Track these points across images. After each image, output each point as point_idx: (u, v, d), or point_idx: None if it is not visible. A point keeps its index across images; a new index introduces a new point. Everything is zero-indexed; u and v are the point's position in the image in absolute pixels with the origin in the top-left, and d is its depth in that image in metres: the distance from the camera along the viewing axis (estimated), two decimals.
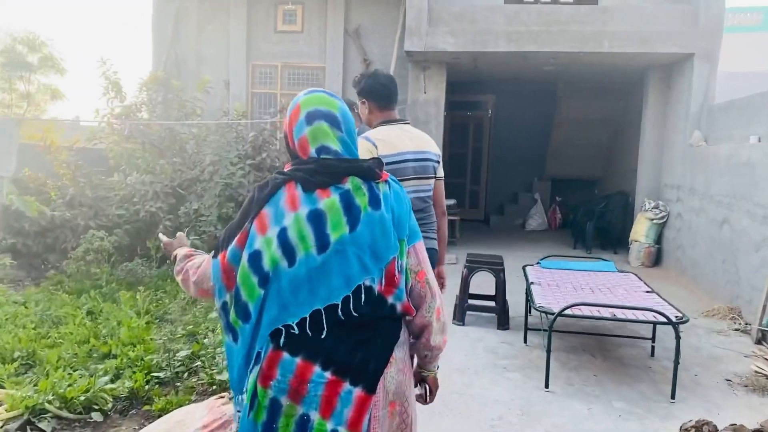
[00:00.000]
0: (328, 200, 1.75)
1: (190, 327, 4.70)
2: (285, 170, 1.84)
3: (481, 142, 13.27)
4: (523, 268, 5.95)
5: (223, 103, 10.56)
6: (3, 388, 3.77)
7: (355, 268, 1.73)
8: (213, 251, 1.88)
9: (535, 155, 13.50)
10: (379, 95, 3.07)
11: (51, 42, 18.37)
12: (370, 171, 1.82)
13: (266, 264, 1.72)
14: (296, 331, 1.71)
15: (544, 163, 13.48)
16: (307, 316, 1.71)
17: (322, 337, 1.71)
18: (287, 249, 1.72)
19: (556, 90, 12.38)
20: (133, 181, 7.12)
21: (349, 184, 1.78)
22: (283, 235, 1.72)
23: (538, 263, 6.13)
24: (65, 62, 20.40)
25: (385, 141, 2.99)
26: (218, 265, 1.81)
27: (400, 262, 1.82)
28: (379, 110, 3.09)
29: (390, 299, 1.79)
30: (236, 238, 1.79)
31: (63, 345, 4.51)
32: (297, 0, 10.97)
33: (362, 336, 1.76)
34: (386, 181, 1.87)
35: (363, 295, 1.74)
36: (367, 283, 1.75)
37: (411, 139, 3.10)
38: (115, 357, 4.32)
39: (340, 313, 1.72)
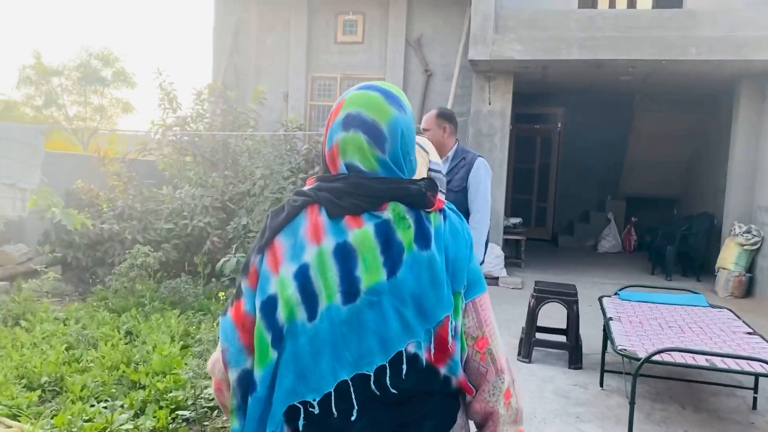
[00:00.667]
0: (360, 232, 1.27)
1: None
2: (308, 188, 1.36)
3: (549, 156, 12.52)
4: (600, 299, 5.27)
5: (281, 115, 10.34)
6: (19, 419, 3.46)
7: (394, 328, 1.24)
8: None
9: (608, 172, 12.64)
10: None
11: (124, 57, 18.99)
12: (420, 196, 1.32)
13: (281, 315, 1.24)
14: (317, 411, 1.23)
15: (618, 181, 12.59)
16: (332, 390, 1.23)
17: (352, 419, 1.24)
18: (307, 294, 1.24)
19: (633, 102, 11.53)
20: (182, 194, 6.87)
21: (389, 212, 1.29)
22: (302, 276, 1.25)
23: (616, 294, 5.44)
24: (136, 77, 20.94)
25: (430, 145, 2.71)
26: (229, 321, 1.33)
27: (454, 323, 1.30)
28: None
29: (443, 370, 1.28)
30: (247, 278, 1.32)
31: (92, 370, 4.20)
32: (358, 10, 10.66)
33: (405, 417, 1.27)
34: (440, 211, 1.36)
35: (405, 365, 1.24)
36: (411, 349, 1.25)
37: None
38: (143, 387, 3.97)
39: (373, 386, 1.24)
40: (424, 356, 1.26)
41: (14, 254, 6.70)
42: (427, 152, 2.73)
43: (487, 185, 3.80)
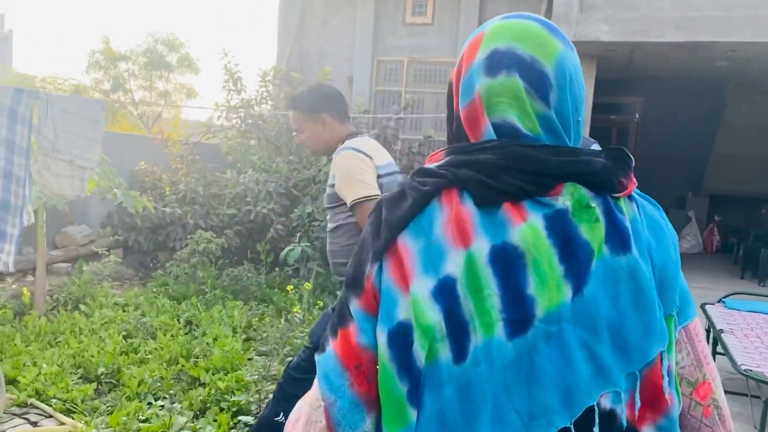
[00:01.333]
0: (527, 228, 0.84)
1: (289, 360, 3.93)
2: (437, 164, 0.92)
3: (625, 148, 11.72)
4: (703, 307, 4.67)
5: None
6: (73, 413, 3.21)
7: (582, 371, 0.82)
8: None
9: (690, 167, 11.75)
10: (341, 104, 2.60)
11: (188, 42, 19.08)
12: (607, 174, 0.88)
13: (419, 353, 0.83)
14: None
15: (702, 177, 11.69)
16: None
17: None
18: (454, 323, 0.83)
19: (725, 90, 10.62)
20: (246, 179, 6.59)
21: (566, 197, 0.86)
22: (445, 294, 0.83)
23: (721, 302, 4.83)
24: (200, 62, 21.07)
25: (375, 150, 2.48)
26: (333, 360, 0.90)
27: (668, 362, 0.87)
28: (341, 123, 2.58)
29: None
30: (358, 297, 0.89)
31: (150, 362, 3.94)
32: None
33: None
34: (632, 198, 0.93)
35: (597, 427, 0.82)
36: (606, 402, 0.83)
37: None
38: (203, 385, 3.67)
39: None
40: (624, 413, 0.84)
41: (77, 236, 6.59)
42: (371, 157, 2.40)
43: None
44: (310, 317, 4.90)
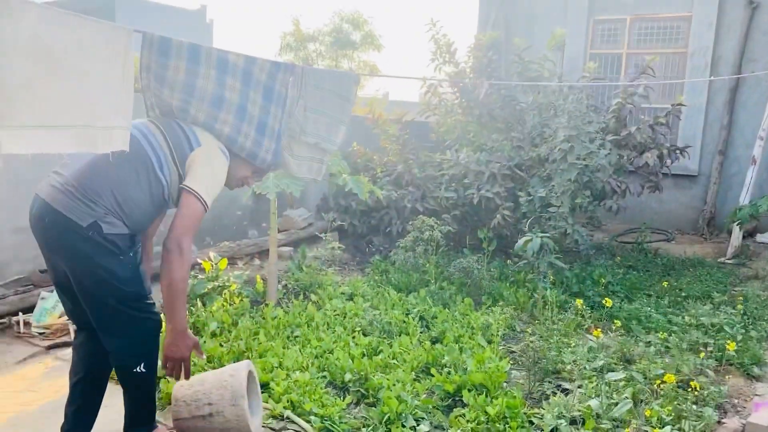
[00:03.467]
0: None
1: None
2: None
3: None
4: None
5: (556, 66, 8.98)
6: None
7: None
8: None
9: None
10: None
11: (372, 19, 19.08)
12: None
13: None
14: None
15: None
16: None
17: None
18: None
19: None
20: (466, 160, 6.01)
21: None
22: None
23: None
24: (382, 38, 21.02)
25: None
26: None
27: None
28: None
29: None
30: None
31: (396, 369, 3.52)
32: None
33: None
34: None
35: None
36: None
37: None
38: (464, 405, 3.16)
39: None
40: None
41: (297, 219, 6.52)
42: None
43: None
44: (558, 323, 4.21)
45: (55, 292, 4.31)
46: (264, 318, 4.30)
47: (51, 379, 3.42)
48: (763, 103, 7.70)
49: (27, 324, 4.12)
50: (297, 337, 4.07)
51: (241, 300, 4.58)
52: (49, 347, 3.85)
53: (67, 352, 3.77)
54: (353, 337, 4.01)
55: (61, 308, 4.25)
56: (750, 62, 8.23)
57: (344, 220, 6.71)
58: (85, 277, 2.25)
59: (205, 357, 2.58)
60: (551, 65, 6.56)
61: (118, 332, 2.34)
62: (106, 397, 2.63)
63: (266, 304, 4.57)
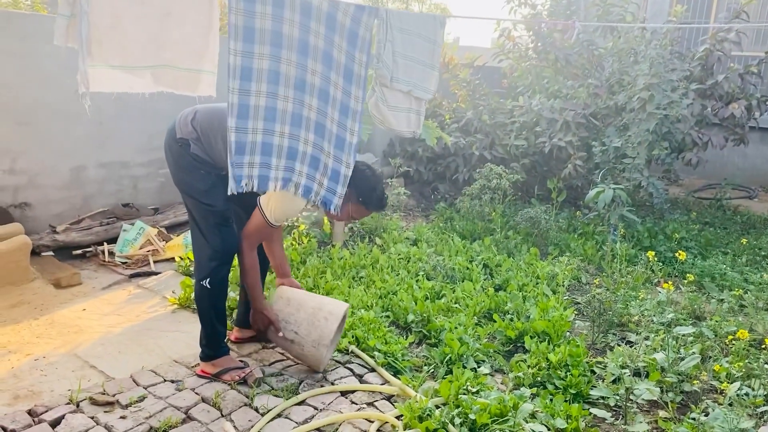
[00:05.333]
0: None
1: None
2: None
3: None
4: None
5: (639, 10, 8.47)
6: (395, 371, 2.94)
7: None
8: None
9: None
10: None
11: None
12: None
13: None
14: None
15: None
16: None
17: None
18: None
19: None
20: (538, 106, 5.83)
21: None
22: None
23: None
24: None
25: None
26: None
27: None
28: None
29: None
30: None
31: (458, 313, 3.57)
32: None
33: None
34: None
35: None
36: None
37: None
38: (525, 351, 3.18)
39: None
40: None
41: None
42: None
43: None
44: (627, 276, 4.12)
45: (136, 224, 4.57)
46: (331, 258, 4.42)
47: (133, 304, 3.66)
48: None
49: (111, 254, 4.40)
50: (362, 277, 4.17)
51: (309, 240, 4.70)
52: (131, 276, 4.10)
53: (148, 281, 4.03)
54: (417, 281, 4.07)
55: (141, 240, 4.51)
56: None
57: (410, 166, 6.70)
58: (175, 181, 2.74)
59: (282, 334, 2.80)
60: (634, 8, 6.19)
61: (193, 241, 2.80)
62: (183, 323, 2.81)
63: (333, 245, 4.68)
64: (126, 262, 4.32)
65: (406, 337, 3.35)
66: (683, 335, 3.10)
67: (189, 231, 3.47)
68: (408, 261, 4.52)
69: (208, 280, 2.70)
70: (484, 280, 4.23)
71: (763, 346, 2.95)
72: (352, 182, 2.68)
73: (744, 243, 5.15)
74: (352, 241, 5.00)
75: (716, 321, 3.39)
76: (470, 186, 5.62)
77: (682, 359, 2.88)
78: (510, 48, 6.69)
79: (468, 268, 4.36)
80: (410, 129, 2.92)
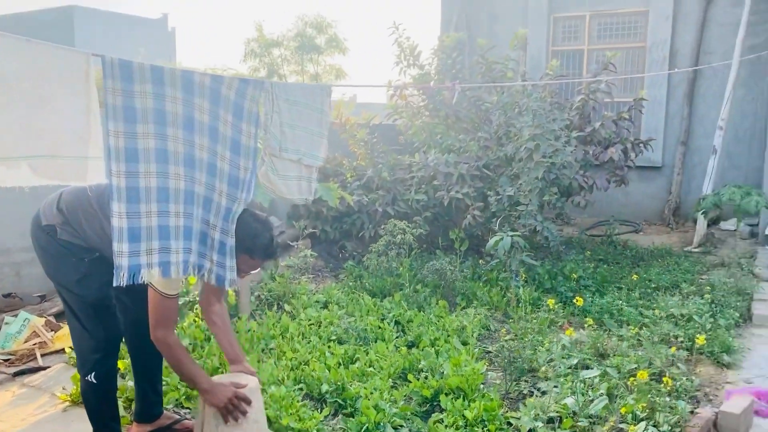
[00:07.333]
0: None
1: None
2: None
3: None
4: None
5: (519, 65, 9.07)
6: None
7: None
8: None
9: None
10: None
11: (336, 23, 18.98)
12: None
13: None
14: None
15: None
16: None
17: None
18: None
19: None
20: (434, 161, 6.02)
21: None
22: None
23: None
24: (347, 42, 20.98)
25: None
26: None
27: None
28: None
29: None
30: None
31: (373, 377, 3.51)
32: None
33: None
34: None
35: None
36: None
37: None
38: (442, 410, 3.16)
39: None
40: None
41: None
42: None
43: None
44: (532, 321, 4.24)
45: (19, 315, 4.20)
46: (237, 332, 4.24)
47: (17, 407, 3.31)
48: (720, 94, 7.88)
49: None
50: (272, 349, 4.02)
51: None
52: (15, 374, 3.73)
53: (35, 378, 3.68)
54: (329, 347, 3.98)
55: (25, 332, 4.14)
56: (707, 54, 8.42)
57: (316, 226, 6.66)
58: (46, 272, 2.61)
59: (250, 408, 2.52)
60: (514, 64, 6.62)
61: (72, 335, 2.62)
62: (76, 422, 2.58)
63: (239, 317, 4.51)
64: (9, 359, 3.94)
65: (321, 409, 3.24)
66: (590, 377, 3.20)
67: None
68: (319, 326, 4.43)
69: (93, 374, 2.53)
70: (397, 338, 4.21)
71: (662, 381, 3.09)
72: (234, 233, 2.52)
73: (635, 278, 5.47)
74: (259, 310, 4.85)
75: (619, 359, 3.54)
76: (376, 242, 5.65)
77: (592, 401, 2.97)
78: (403, 106, 6.92)
79: (380, 327, 4.33)
80: (302, 196, 2.92)
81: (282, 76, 19.26)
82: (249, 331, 4.23)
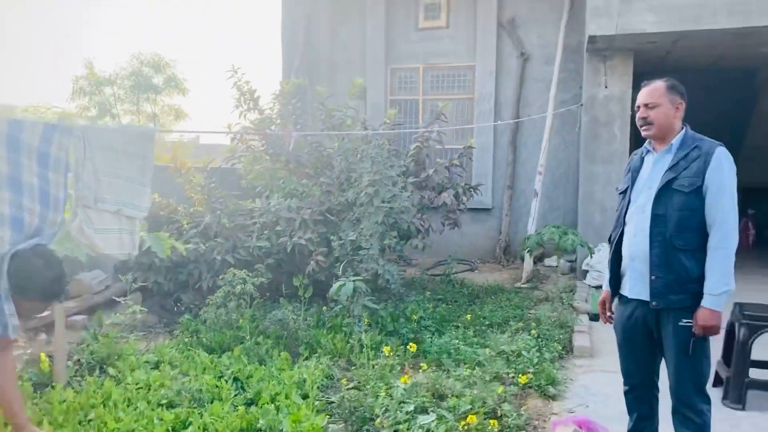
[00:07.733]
0: None
1: None
2: None
3: None
4: None
5: (359, 113, 9.34)
6: None
7: None
8: None
9: None
10: None
11: (174, 63, 18.32)
12: None
13: None
14: None
15: None
16: None
17: None
18: None
19: (754, 81, 10.11)
20: (276, 206, 5.91)
21: None
22: None
23: None
24: (187, 82, 20.38)
25: None
26: None
27: None
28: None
29: None
30: None
31: None
32: None
33: None
34: None
35: None
36: None
37: None
38: None
39: None
40: None
41: (90, 283, 5.88)
42: None
43: (734, 186, 2.80)
44: (374, 367, 4.24)
45: None
46: (50, 403, 3.75)
47: None
48: (539, 142, 8.70)
49: None
50: (91, 420, 3.59)
51: (21, 385, 3.94)
52: None
53: None
54: (158, 413, 3.64)
55: None
56: (526, 106, 9.29)
57: (147, 278, 6.18)
58: None
59: None
60: (353, 112, 6.78)
61: None
62: None
63: (53, 386, 3.99)
64: None
65: None
66: (426, 423, 3.23)
67: None
68: (148, 389, 4.05)
69: None
70: (235, 396, 3.97)
71: (496, 418, 3.20)
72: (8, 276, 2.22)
73: (469, 317, 5.72)
74: (78, 377, 4.34)
75: (454, 400, 3.62)
76: (215, 294, 5.37)
77: None
78: (243, 150, 6.76)
79: (217, 386, 4.06)
80: (123, 251, 2.68)
81: (115, 116, 18.11)
82: (64, 402, 3.75)
